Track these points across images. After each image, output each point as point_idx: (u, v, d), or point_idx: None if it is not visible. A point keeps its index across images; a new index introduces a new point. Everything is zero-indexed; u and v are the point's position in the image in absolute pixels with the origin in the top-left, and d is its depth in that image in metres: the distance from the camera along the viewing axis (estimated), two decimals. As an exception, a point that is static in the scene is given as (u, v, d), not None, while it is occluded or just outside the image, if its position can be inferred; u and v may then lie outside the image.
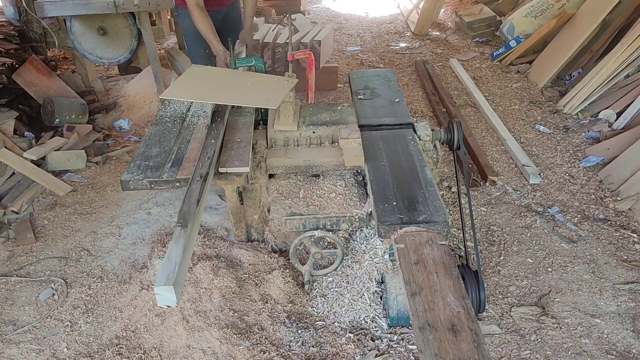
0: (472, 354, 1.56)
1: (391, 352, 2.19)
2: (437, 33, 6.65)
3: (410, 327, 2.27)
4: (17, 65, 3.97)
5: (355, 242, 2.57)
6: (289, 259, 2.57)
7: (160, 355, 2.16)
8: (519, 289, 2.57)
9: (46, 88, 4.08)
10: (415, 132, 2.84)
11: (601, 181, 3.38)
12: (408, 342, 2.24)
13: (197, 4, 3.00)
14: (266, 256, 2.63)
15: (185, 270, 1.71)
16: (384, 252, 2.42)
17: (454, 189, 3.32)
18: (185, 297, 2.35)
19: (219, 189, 3.06)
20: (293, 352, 2.18)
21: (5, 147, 3.41)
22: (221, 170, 2.39)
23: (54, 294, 2.57)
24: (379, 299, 2.39)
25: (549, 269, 2.68)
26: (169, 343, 2.19)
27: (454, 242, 2.83)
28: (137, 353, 2.18)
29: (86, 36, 4.10)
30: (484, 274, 2.63)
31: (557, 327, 2.34)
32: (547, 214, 3.12)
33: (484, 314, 2.39)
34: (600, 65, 4.13)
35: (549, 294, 2.53)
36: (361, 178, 2.75)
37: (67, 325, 2.39)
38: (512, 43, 5.42)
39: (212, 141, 2.45)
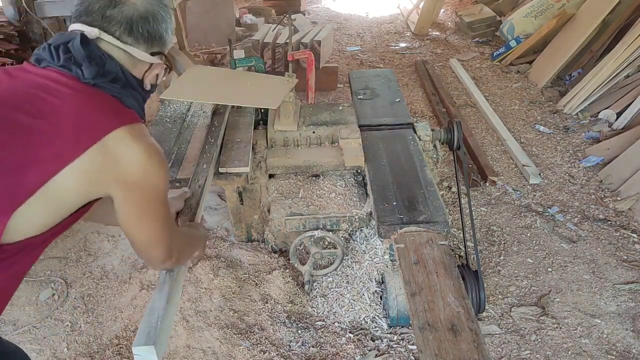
0: (472, 354, 1.56)
1: (391, 352, 2.19)
2: (437, 33, 6.65)
3: (410, 327, 2.27)
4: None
5: (355, 242, 2.57)
6: (289, 259, 2.57)
7: (160, 355, 2.16)
8: (519, 289, 2.57)
9: (46, 88, 4.07)
10: (415, 132, 2.84)
11: (601, 181, 3.38)
12: (408, 342, 2.24)
13: None
14: (266, 256, 2.63)
15: (169, 324, 1.48)
16: (384, 252, 2.42)
17: (454, 189, 3.32)
18: (185, 297, 2.35)
19: (219, 189, 3.06)
20: (293, 352, 2.18)
21: (5, 147, 3.40)
22: (221, 170, 2.40)
23: (54, 294, 2.57)
24: (379, 299, 2.39)
25: (549, 269, 2.68)
26: (168, 343, 2.19)
27: (454, 242, 2.83)
28: (137, 353, 2.18)
29: (86, 36, 4.09)
30: (484, 274, 2.63)
31: (557, 327, 2.34)
32: (547, 214, 3.12)
33: (484, 314, 2.39)
34: (600, 65, 4.13)
35: (549, 294, 2.53)
36: (361, 178, 2.75)
37: (67, 325, 2.39)
38: (512, 43, 5.42)
39: (212, 141, 2.45)
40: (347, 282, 2.46)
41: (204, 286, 2.40)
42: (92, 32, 1.16)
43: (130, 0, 1.18)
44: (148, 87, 1.30)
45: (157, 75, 1.31)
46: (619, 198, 3.18)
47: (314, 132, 2.80)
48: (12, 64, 3.86)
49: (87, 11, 1.17)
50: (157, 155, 1.16)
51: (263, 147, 2.72)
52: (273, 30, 4.70)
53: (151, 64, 1.26)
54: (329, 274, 2.52)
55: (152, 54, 1.24)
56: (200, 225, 1.63)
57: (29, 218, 1.06)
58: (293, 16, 4.07)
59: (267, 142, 2.77)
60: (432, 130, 2.88)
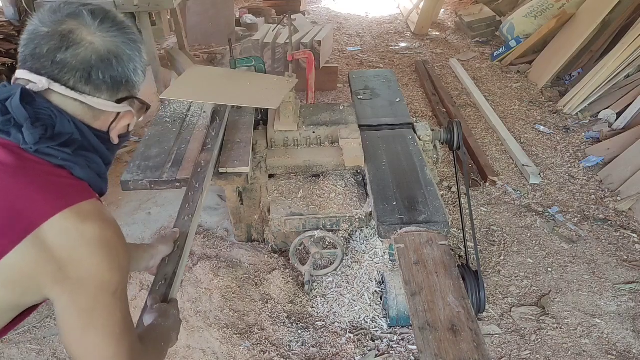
0: (472, 354, 1.56)
1: (391, 352, 2.19)
2: (437, 33, 6.65)
3: (410, 327, 2.27)
4: (17, 66, 3.97)
5: (355, 242, 2.57)
6: (289, 259, 2.57)
7: (160, 356, 2.16)
8: (519, 289, 2.57)
9: (46, 88, 4.07)
10: (415, 132, 2.84)
11: (601, 181, 3.38)
12: (408, 342, 2.24)
13: None
14: (266, 256, 2.63)
15: None
16: (384, 252, 2.42)
17: (454, 189, 3.32)
18: (185, 297, 2.34)
19: (219, 189, 3.06)
20: (293, 352, 2.18)
21: (5, 147, 3.40)
22: (221, 170, 2.39)
23: (54, 294, 2.57)
24: (379, 299, 2.39)
25: (549, 269, 2.68)
26: (169, 343, 2.19)
27: (454, 242, 2.82)
28: (137, 353, 2.18)
29: (86, 36, 4.09)
30: (484, 274, 2.63)
31: (557, 327, 2.34)
32: (547, 214, 3.12)
33: (484, 314, 2.39)
34: (600, 65, 4.13)
35: (549, 294, 2.53)
36: (361, 178, 2.75)
37: (67, 325, 2.39)
38: (512, 43, 5.42)
39: (212, 141, 2.45)
40: (347, 282, 2.46)
41: (204, 286, 2.40)
42: (40, 82, 0.92)
43: (87, 38, 0.93)
44: (116, 141, 1.06)
45: (128, 125, 1.07)
46: (619, 198, 3.18)
47: (314, 132, 2.80)
48: (12, 64, 3.86)
49: (33, 55, 0.93)
50: (110, 241, 0.91)
51: (263, 147, 2.72)
52: (273, 30, 4.70)
53: (118, 113, 1.02)
54: (329, 274, 2.52)
55: (119, 101, 1.00)
56: (171, 308, 1.26)
57: None
58: (293, 16, 4.07)
59: (267, 142, 2.76)
60: (432, 130, 2.88)
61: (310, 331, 2.28)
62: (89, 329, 0.89)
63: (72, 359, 0.93)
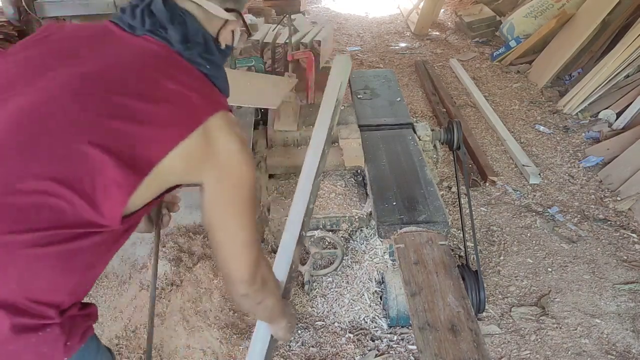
0: (472, 354, 1.56)
1: (391, 352, 2.19)
2: (437, 33, 6.65)
3: (410, 327, 2.27)
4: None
5: (355, 242, 2.57)
6: (289, 259, 2.57)
7: (160, 356, 2.16)
8: (519, 289, 2.57)
9: (46, 88, 4.07)
10: (415, 132, 2.84)
11: (601, 181, 3.38)
12: (408, 342, 2.24)
13: None
14: (266, 256, 2.63)
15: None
16: (384, 252, 2.42)
17: (454, 189, 3.32)
18: (185, 297, 2.35)
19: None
20: (293, 352, 2.18)
21: (5, 147, 3.40)
22: (221, 170, 2.39)
23: (54, 294, 2.57)
24: (379, 299, 2.39)
25: (549, 269, 2.68)
26: (169, 343, 2.19)
27: (454, 242, 2.82)
28: (137, 353, 2.18)
29: (86, 36, 4.10)
30: (484, 274, 2.63)
31: (557, 327, 2.34)
32: (547, 214, 3.12)
33: (484, 314, 2.39)
34: (600, 65, 4.13)
35: (549, 294, 2.53)
36: (361, 178, 2.75)
37: (67, 325, 2.38)
38: (512, 43, 5.42)
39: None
40: (347, 282, 2.46)
41: (204, 286, 2.40)
42: None
43: None
44: (223, 46, 1.18)
45: (233, 32, 1.18)
46: (618, 198, 3.18)
47: (314, 132, 2.80)
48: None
49: None
50: (248, 148, 1.10)
51: (263, 147, 2.72)
52: (273, 30, 4.70)
53: (226, 21, 1.14)
54: (329, 274, 2.52)
55: (227, 11, 1.12)
56: (289, 304, 1.44)
57: (137, 196, 1.01)
58: (293, 16, 4.06)
59: (267, 142, 2.76)
60: (432, 130, 2.89)
61: (310, 331, 2.28)
62: (231, 211, 1.08)
63: (213, 240, 1.10)
